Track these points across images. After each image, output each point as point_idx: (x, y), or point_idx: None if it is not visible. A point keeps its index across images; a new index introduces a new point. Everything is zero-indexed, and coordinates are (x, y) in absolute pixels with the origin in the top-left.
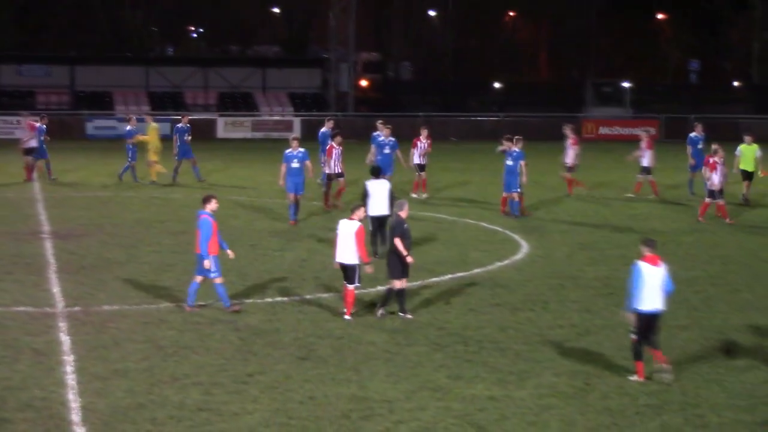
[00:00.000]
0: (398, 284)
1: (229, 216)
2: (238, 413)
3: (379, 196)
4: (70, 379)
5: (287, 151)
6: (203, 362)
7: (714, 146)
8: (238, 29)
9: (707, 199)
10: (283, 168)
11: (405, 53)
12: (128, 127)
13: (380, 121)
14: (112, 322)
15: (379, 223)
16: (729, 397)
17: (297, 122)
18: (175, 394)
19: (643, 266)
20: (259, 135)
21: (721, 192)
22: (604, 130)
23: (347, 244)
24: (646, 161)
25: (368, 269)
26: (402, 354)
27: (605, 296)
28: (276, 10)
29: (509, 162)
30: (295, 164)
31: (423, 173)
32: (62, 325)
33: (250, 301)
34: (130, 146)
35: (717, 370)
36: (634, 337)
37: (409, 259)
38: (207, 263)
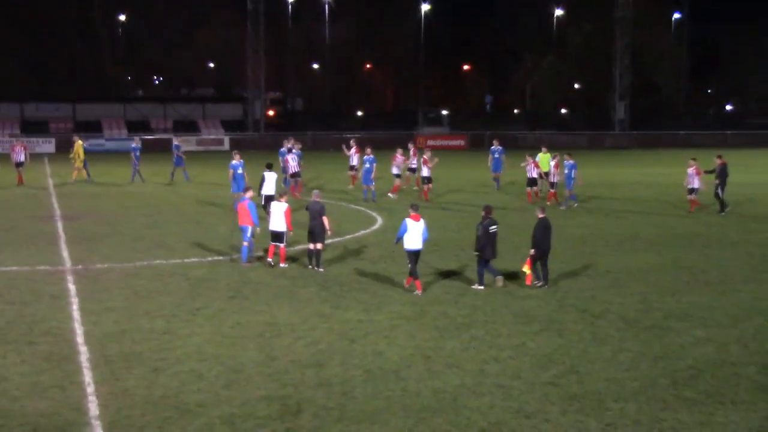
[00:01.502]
0: (319, 246)
1: (183, 203)
2: (190, 335)
3: (270, 182)
4: (76, 314)
5: (233, 162)
6: (165, 301)
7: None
8: (186, 77)
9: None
10: (231, 173)
11: (298, 91)
12: (133, 144)
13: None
14: (103, 275)
15: (269, 198)
16: (514, 315)
17: (227, 140)
18: (147, 323)
19: (409, 221)
20: (201, 148)
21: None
22: (431, 143)
23: (279, 218)
24: (424, 171)
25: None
26: (299, 293)
27: (432, 252)
28: (211, 64)
29: (367, 165)
30: (239, 171)
31: (398, 180)
32: (70, 278)
33: (197, 259)
34: (137, 156)
35: (505, 298)
36: (410, 266)
37: (329, 231)
38: (257, 230)
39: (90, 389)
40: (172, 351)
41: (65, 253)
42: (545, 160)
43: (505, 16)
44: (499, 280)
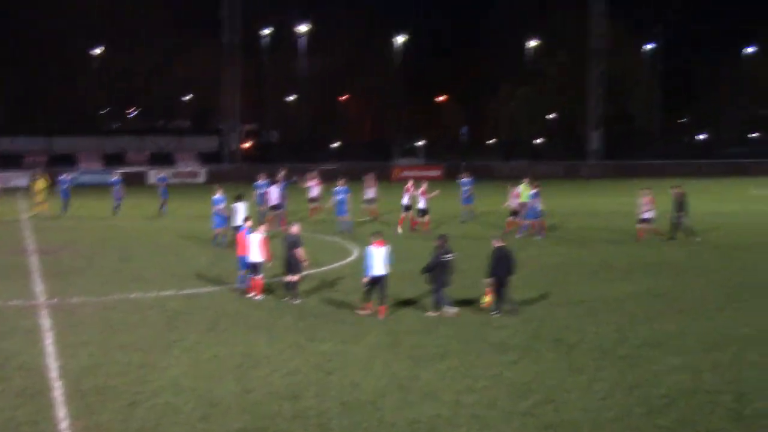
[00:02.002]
0: (296, 277)
1: (160, 234)
2: (166, 368)
3: (240, 213)
4: (50, 348)
5: (215, 196)
6: (142, 334)
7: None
8: (162, 109)
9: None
10: (213, 209)
11: (274, 124)
12: (113, 178)
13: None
14: (79, 309)
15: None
16: (490, 345)
17: (203, 172)
18: (122, 356)
19: (373, 248)
20: (177, 181)
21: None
22: (407, 173)
23: (255, 249)
24: (421, 203)
25: (269, 264)
26: (276, 325)
27: (407, 281)
28: (188, 96)
29: (340, 196)
30: (221, 207)
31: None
32: (44, 312)
33: (174, 292)
34: (117, 190)
35: (481, 328)
36: (365, 288)
37: (305, 262)
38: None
39: (64, 424)
40: (149, 384)
41: (40, 287)
42: (526, 192)
43: (481, 47)
44: (450, 310)
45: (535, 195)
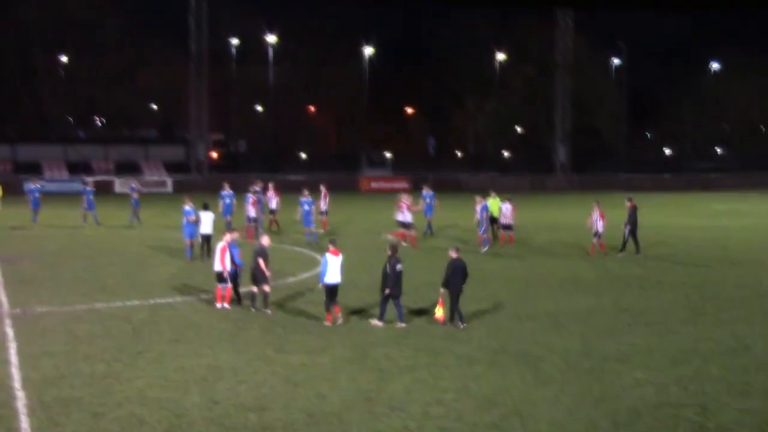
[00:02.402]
0: (266, 288)
1: (123, 245)
2: (131, 379)
3: (207, 222)
4: (13, 358)
5: (186, 207)
6: (107, 345)
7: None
8: (128, 118)
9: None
10: (183, 220)
11: (241, 133)
12: (87, 188)
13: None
14: (42, 319)
15: (206, 238)
16: (457, 358)
17: (170, 182)
18: (87, 367)
19: (329, 256)
20: (144, 190)
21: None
22: (374, 185)
23: (217, 258)
24: (407, 217)
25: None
26: (242, 336)
27: (375, 292)
28: (154, 106)
29: (305, 207)
30: (191, 218)
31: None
32: (7, 321)
33: (139, 302)
34: (89, 199)
35: (447, 341)
36: (324, 299)
37: (268, 273)
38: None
39: None
40: (113, 395)
41: (2, 296)
42: (495, 205)
43: (447, 60)
44: (401, 324)
45: (485, 208)
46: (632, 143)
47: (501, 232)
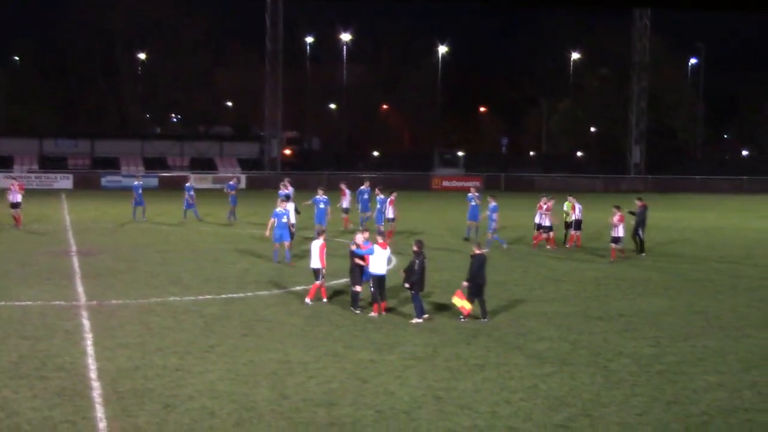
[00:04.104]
0: (357, 288)
1: (198, 240)
2: (203, 372)
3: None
4: (89, 349)
5: (277, 210)
6: (179, 338)
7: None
8: (204, 116)
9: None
10: (272, 222)
11: (315, 131)
12: (135, 183)
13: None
14: (118, 312)
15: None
16: (527, 357)
17: (243, 178)
18: (159, 359)
19: (376, 248)
20: (218, 186)
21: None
22: (446, 183)
23: (315, 255)
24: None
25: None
26: (313, 332)
27: (445, 292)
28: (229, 103)
29: (321, 206)
30: (284, 220)
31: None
32: (84, 313)
33: (211, 297)
34: (139, 194)
35: (518, 340)
36: (372, 290)
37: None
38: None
39: (102, 425)
40: (185, 388)
41: (80, 289)
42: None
43: (523, 60)
44: (420, 318)
45: (495, 208)
46: (709, 145)
47: (571, 233)
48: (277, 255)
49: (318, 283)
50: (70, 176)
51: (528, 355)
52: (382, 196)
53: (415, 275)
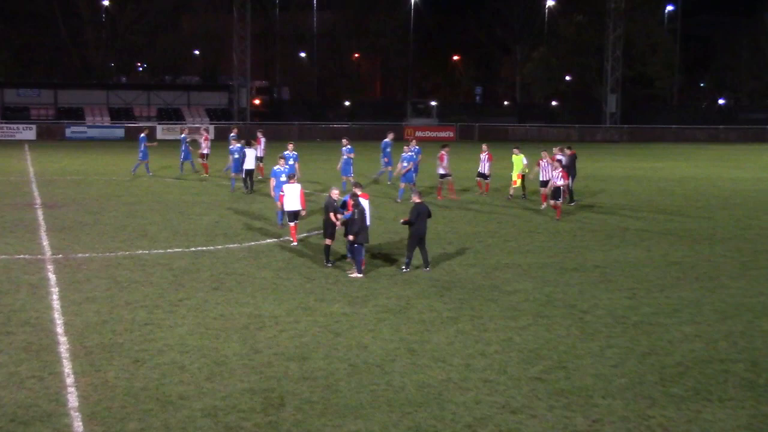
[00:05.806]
0: (328, 242)
1: (165, 192)
2: (172, 326)
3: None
4: (56, 304)
5: (275, 168)
6: (148, 292)
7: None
8: (170, 64)
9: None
10: (272, 182)
11: (284, 81)
12: (142, 135)
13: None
14: (84, 265)
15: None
16: (501, 310)
17: (212, 128)
18: (128, 314)
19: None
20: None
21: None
22: (419, 134)
23: (296, 199)
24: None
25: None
26: (284, 285)
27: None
28: (196, 51)
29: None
30: (283, 179)
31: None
32: (50, 267)
33: (180, 250)
34: (143, 148)
35: (492, 293)
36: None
37: (338, 225)
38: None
39: (69, 380)
40: (154, 342)
41: (45, 242)
42: (518, 162)
43: (496, 7)
44: (357, 275)
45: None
46: (685, 93)
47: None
48: (281, 217)
49: (293, 225)
50: (33, 127)
51: (503, 307)
52: (349, 146)
53: (355, 225)
